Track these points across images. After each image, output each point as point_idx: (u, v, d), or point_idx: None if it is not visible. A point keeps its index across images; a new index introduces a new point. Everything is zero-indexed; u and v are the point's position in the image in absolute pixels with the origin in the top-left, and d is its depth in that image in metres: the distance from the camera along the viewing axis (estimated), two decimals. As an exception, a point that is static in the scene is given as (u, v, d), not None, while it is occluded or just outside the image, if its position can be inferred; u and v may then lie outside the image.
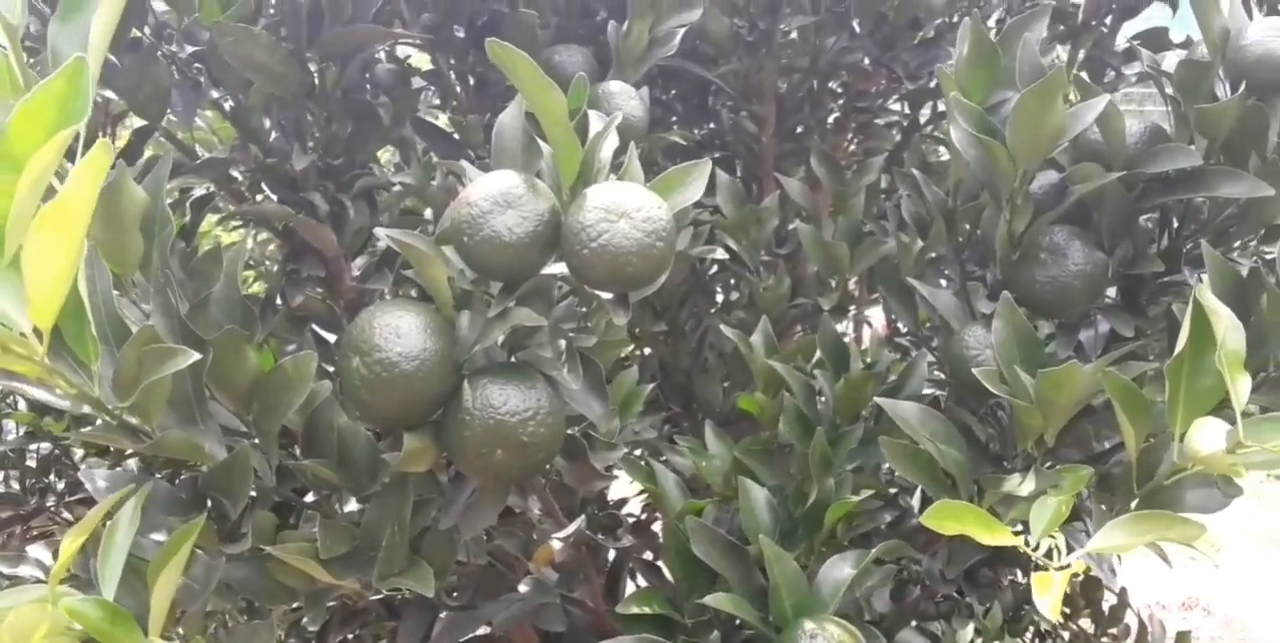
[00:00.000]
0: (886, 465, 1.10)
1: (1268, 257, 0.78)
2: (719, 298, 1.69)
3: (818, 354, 1.09)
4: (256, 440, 0.75)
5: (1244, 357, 0.68)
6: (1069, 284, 0.87)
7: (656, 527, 1.28)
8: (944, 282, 1.13)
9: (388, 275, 1.17)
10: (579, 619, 1.10)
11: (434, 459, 0.72)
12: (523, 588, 0.96)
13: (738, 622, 0.92)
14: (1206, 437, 0.65)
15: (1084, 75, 1.54)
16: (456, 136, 1.35)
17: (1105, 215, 0.86)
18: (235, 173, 1.22)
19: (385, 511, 0.75)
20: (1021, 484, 0.78)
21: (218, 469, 0.70)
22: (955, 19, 1.52)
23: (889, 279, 1.16)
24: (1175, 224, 0.92)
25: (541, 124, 0.68)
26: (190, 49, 1.01)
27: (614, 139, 0.72)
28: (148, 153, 1.18)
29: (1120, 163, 0.82)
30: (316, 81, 1.08)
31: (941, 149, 1.75)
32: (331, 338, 1.18)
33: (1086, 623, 1.80)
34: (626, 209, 0.67)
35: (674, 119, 1.60)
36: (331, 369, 0.87)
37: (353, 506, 0.84)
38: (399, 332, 0.69)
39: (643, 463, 1.09)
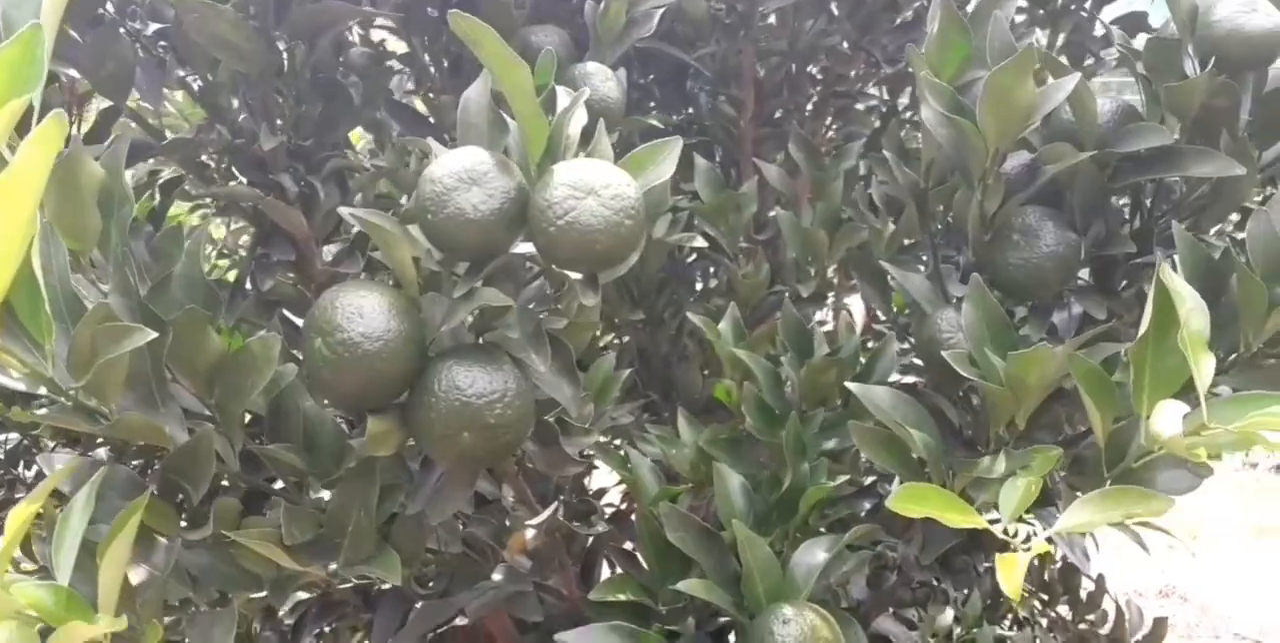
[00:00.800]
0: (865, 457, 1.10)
1: (1239, 236, 0.78)
2: (698, 286, 1.68)
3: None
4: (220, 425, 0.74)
5: (1207, 337, 0.68)
6: (1041, 265, 0.86)
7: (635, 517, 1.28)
8: (921, 268, 1.13)
9: (360, 259, 1.16)
10: (554, 608, 1.09)
11: (399, 443, 0.71)
12: (496, 576, 0.96)
13: (712, 609, 0.91)
14: (1167, 419, 0.65)
15: (1062, 59, 1.53)
16: (431, 120, 1.33)
17: (1078, 196, 0.86)
18: (205, 157, 1.20)
19: (351, 496, 0.74)
20: (992, 467, 0.78)
21: (179, 453, 0.69)
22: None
23: (863, 264, 1.15)
24: (1148, 205, 0.92)
25: (508, 99, 0.67)
26: (155, 26, 0.99)
27: (582, 115, 0.71)
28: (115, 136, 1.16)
29: (1092, 142, 0.81)
30: (285, 60, 1.07)
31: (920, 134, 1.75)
32: (301, 323, 1.16)
33: (1065, 610, 1.81)
34: (594, 186, 0.66)
35: (652, 104, 1.59)
36: (300, 354, 0.86)
37: (326, 496, 0.83)
38: (362, 312, 0.68)
39: (619, 450, 1.08)
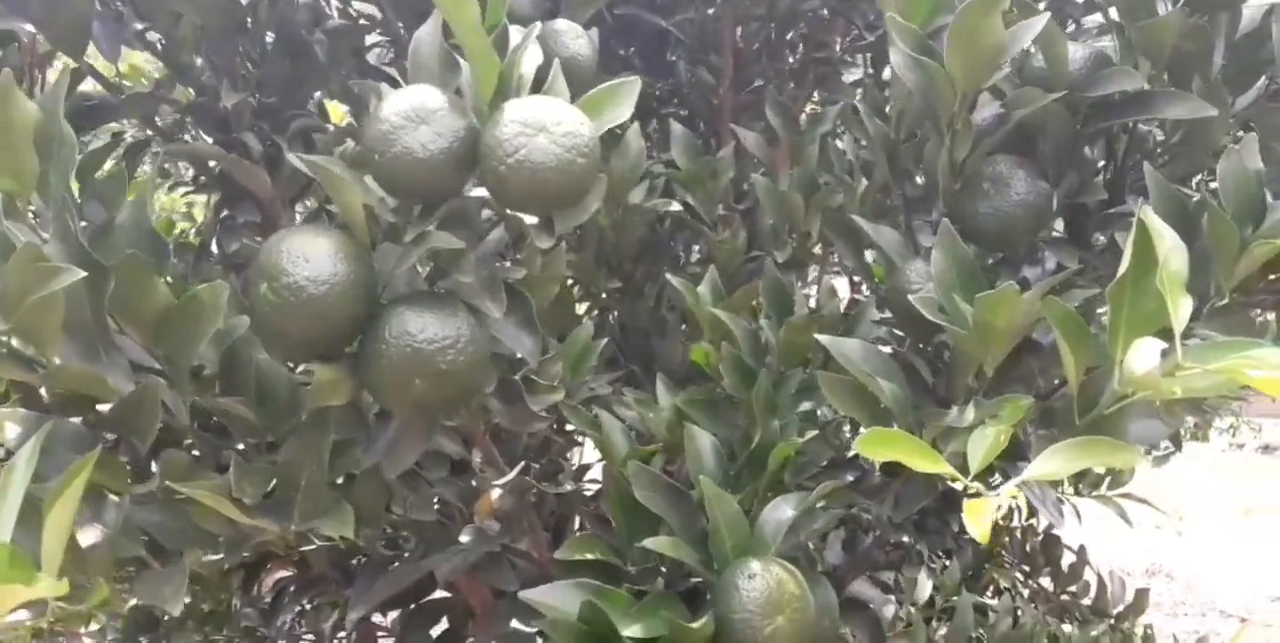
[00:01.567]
0: (848, 430, 1.09)
1: (1212, 185, 0.76)
2: (679, 260, 1.67)
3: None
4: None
5: (1185, 278, 0.66)
6: (1012, 214, 0.84)
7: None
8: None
9: (327, 221, 1.14)
10: (527, 573, 1.08)
11: (349, 392, 0.69)
12: (464, 538, 0.94)
13: (684, 570, 0.90)
14: (1143, 356, 0.63)
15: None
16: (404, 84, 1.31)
17: (1049, 143, 0.84)
18: (169, 117, 1.18)
19: (303, 449, 0.72)
20: (961, 417, 0.76)
21: (123, 404, 0.67)
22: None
23: (837, 224, 1.14)
24: (1121, 154, 0.91)
25: (456, 35, 0.65)
26: (110, -22, 0.97)
27: (535, 52, 0.69)
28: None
29: (1062, 86, 0.80)
30: (249, 17, 1.04)
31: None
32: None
33: (1047, 582, 1.81)
34: (545, 123, 0.64)
35: (632, 73, 1.56)
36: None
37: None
38: (307, 256, 0.66)
39: (590, 413, 1.06)
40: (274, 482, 0.73)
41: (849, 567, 1.17)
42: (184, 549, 0.71)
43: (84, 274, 0.57)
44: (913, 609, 1.47)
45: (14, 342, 0.62)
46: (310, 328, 0.66)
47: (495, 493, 0.91)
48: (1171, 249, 0.67)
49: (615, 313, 1.59)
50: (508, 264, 0.79)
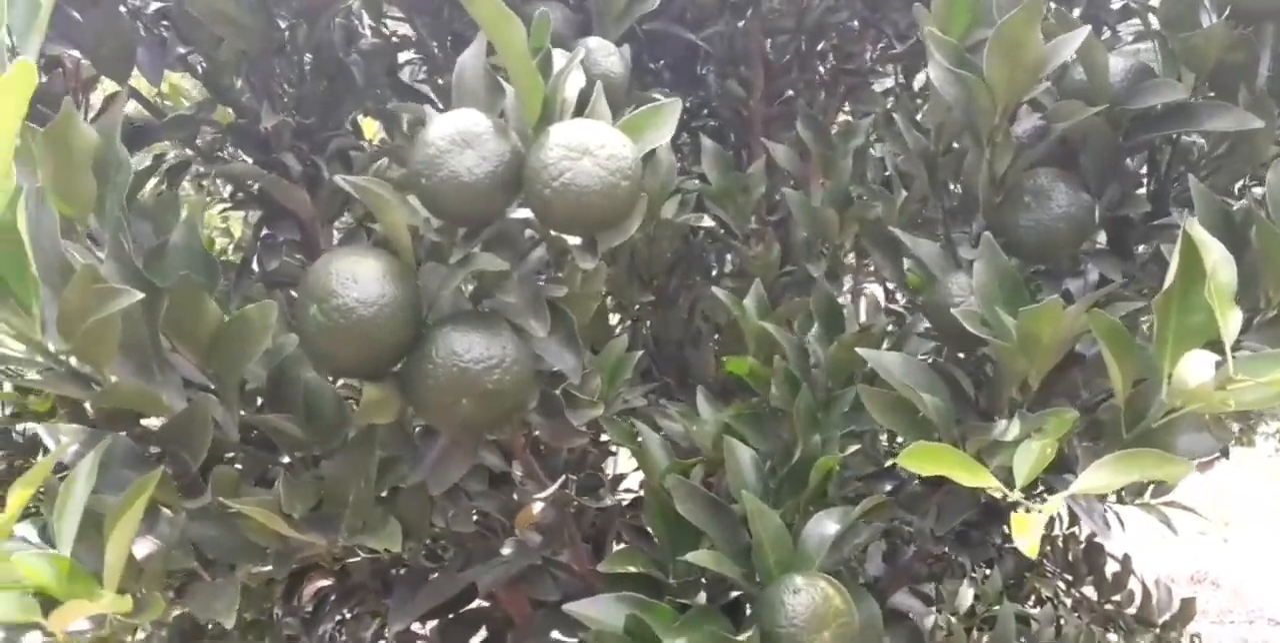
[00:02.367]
0: (885, 439, 1.08)
1: (1257, 192, 0.76)
2: (713, 272, 1.67)
3: (811, 323, 1.06)
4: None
5: (1234, 290, 0.66)
6: (1054, 227, 0.84)
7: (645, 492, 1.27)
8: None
9: (366, 238, 1.15)
10: (570, 586, 1.09)
11: (396, 410, 0.70)
12: (505, 550, 0.95)
13: (726, 583, 0.90)
14: (1196, 368, 0.63)
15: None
16: (441, 106, 1.32)
17: (1090, 156, 0.84)
18: (210, 139, 1.20)
19: (351, 465, 0.73)
20: (1006, 430, 0.76)
21: (175, 421, 0.69)
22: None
23: (876, 236, 1.13)
24: (1164, 166, 0.90)
25: (502, 59, 0.66)
26: (156, 4, 0.99)
27: (579, 77, 0.69)
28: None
29: (1104, 99, 0.79)
30: (286, 39, 1.06)
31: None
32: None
33: (1090, 591, 1.79)
34: (589, 147, 0.65)
35: (662, 87, 1.57)
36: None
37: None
38: (356, 277, 0.67)
39: (628, 424, 1.07)
40: (321, 497, 0.75)
41: (890, 579, 1.16)
42: (235, 562, 0.73)
43: (141, 296, 0.58)
44: (953, 619, 1.46)
45: (73, 361, 0.63)
46: (359, 349, 0.67)
47: (537, 506, 0.91)
48: (1219, 261, 0.66)
49: (649, 325, 1.60)
50: (547, 282, 0.80)
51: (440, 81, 1.34)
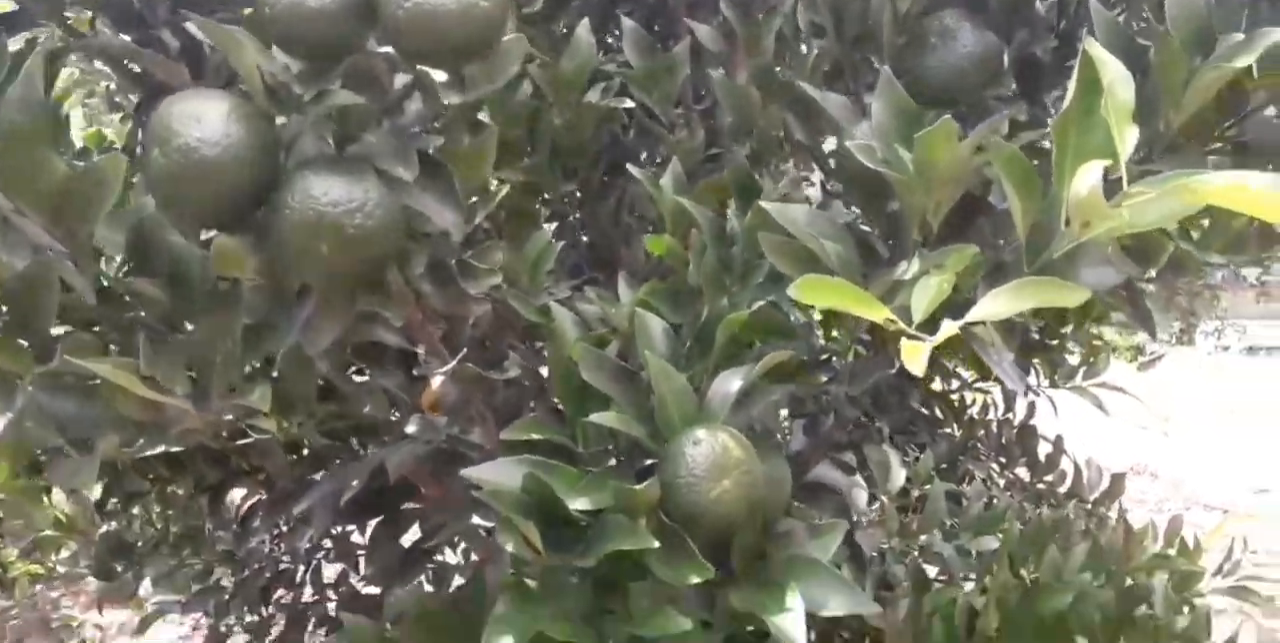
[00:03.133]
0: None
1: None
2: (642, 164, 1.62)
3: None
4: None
5: (1132, 107, 0.63)
6: (959, 66, 0.81)
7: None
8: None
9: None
10: (476, 463, 1.06)
11: (252, 262, 0.66)
12: (409, 429, 0.92)
13: (636, 451, 0.88)
14: (1088, 178, 0.60)
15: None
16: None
17: (998, -6, 0.80)
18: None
19: (215, 327, 0.69)
20: (906, 271, 0.73)
21: (16, 280, 0.64)
22: None
23: (792, 100, 1.09)
24: (1074, 7, 0.86)
25: None
26: None
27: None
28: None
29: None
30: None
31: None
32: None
33: (1023, 472, 1.81)
34: (441, -39, 0.60)
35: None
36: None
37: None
38: (200, 117, 0.62)
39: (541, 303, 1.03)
40: (188, 363, 0.71)
41: (810, 449, 1.15)
42: (99, 436, 0.69)
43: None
44: (884, 498, 1.47)
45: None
46: (206, 192, 0.62)
47: (436, 380, 0.88)
48: (1117, 78, 0.63)
49: (578, 219, 1.55)
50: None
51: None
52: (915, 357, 0.60)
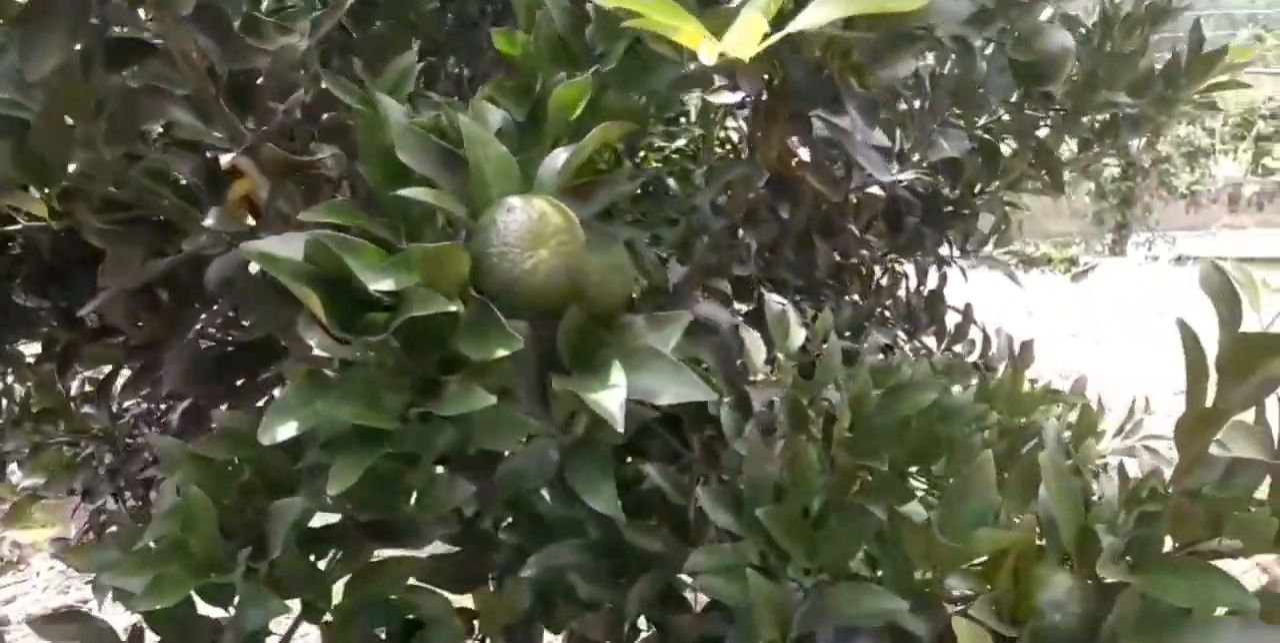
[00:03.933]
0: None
1: None
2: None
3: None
4: None
5: None
6: None
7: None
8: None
9: None
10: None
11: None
12: (208, 222, 0.81)
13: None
14: None
15: None
16: None
17: None
18: None
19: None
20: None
21: None
22: None
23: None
24: None
25: None
26: None
27: None
28: None
29: None
30: None
31: None
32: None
33: (931, 340, 1.75)
34: None
35: None
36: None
37: None
38: None
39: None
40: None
41: (687, 279, 1.07)
42: None
43: None
44: (781, 356, 1.40)
45: None
46: None
47: (225, 158, 0.77)
48: None
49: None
50: None
51: None
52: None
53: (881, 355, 1.45)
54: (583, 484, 0.75)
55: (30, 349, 1.40)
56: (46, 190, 0.72)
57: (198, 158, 0.81)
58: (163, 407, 1.75)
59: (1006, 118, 1.50)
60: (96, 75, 0.69)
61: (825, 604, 0.85)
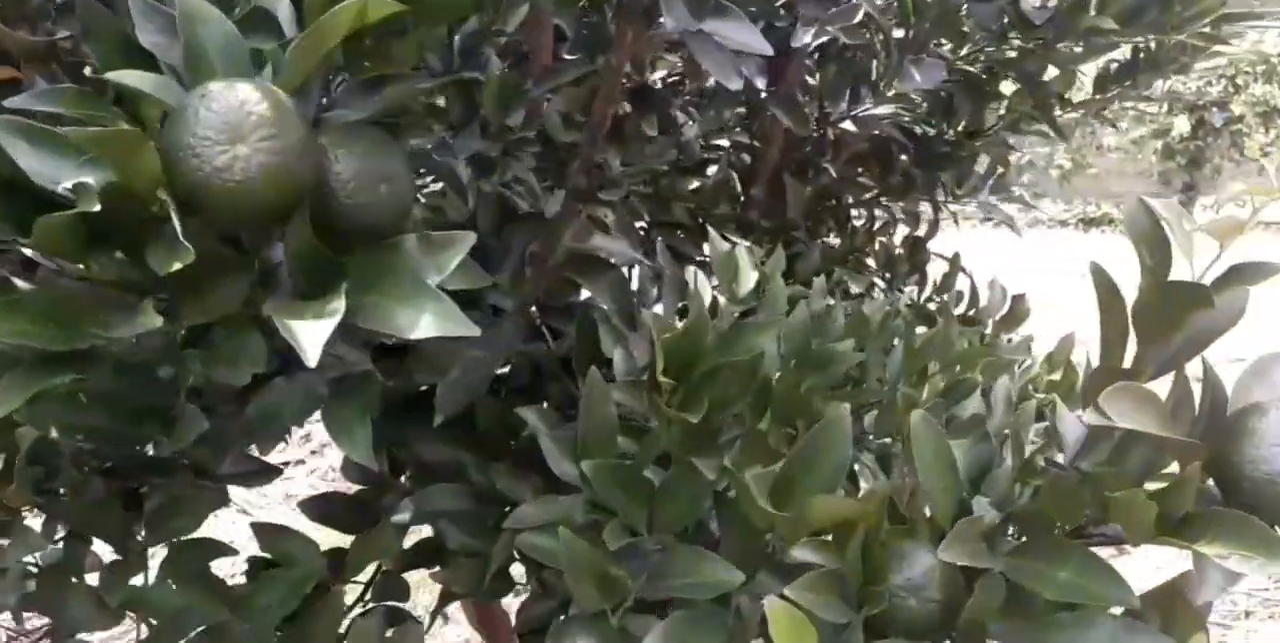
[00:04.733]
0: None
1: None
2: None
3: None
4: None
5: None
6: None
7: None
8: None
9: None
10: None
11: None
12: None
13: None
14: None
15: None
16: None
17: None
18: None
19: None
20: None
21: None
22: None
23: None
24: None
25: None
26: None
27: None
28: None
29: None
30: None
31: None
32: None
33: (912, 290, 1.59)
34: None
35: None
36: None
37: None
38: None
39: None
40: None
41: (565, 206, 0.94)
42: None
43: None
44: (723, 299, 1.27)
45: None
46: None
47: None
48: None
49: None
50: None
51: None
52: None
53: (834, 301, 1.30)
54: (337, 427, 0.63)
55: None
56: None
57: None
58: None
59: (991, 49, 1.33)
60: None
61: (662, 571, 0.73)
